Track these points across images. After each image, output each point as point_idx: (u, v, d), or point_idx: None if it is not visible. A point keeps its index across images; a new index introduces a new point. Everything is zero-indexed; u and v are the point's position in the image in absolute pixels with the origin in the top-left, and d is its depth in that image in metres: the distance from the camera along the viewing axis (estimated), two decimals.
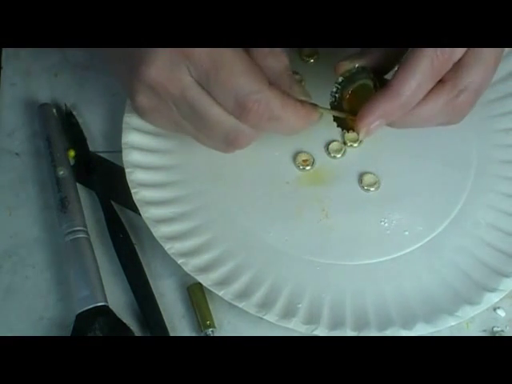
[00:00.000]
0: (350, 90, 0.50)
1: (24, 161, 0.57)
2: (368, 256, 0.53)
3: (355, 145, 0.57)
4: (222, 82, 0.46)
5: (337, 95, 0.50)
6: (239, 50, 0.47)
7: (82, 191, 0.55)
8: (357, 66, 0.49)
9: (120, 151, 0.54)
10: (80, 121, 0.59)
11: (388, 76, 0.49)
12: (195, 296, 0.51)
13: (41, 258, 0.53)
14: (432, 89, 0.47)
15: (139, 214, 0.52)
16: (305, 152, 0.57)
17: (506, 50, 0.59)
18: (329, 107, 0.50)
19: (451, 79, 0.47)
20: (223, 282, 0.50)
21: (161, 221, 0.52)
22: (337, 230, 0.54)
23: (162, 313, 0.50)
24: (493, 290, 0.51)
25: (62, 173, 0.55)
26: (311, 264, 0.52)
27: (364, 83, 0.49)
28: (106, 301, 0.50)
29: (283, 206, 0.54)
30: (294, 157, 0.56)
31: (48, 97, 0.60)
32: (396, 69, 0.48)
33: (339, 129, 0.51)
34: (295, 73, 0.60)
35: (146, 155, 0.55)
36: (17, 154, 0.58)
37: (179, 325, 0.51)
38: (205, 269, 0.50)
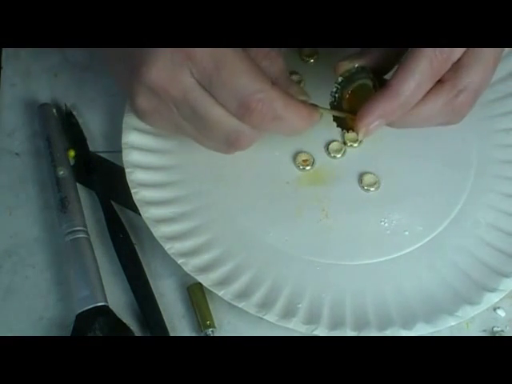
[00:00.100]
0: (349, 89, 0.50)
1: (24, 161, 0.57)
2: (368, 256, 0.53)
3: (355, 145, 0.57)
4: (225, 82, 0.46)
5: (336, 95, 0.50)
6: (240, 50, 0.46)
7: (81, 191, 0.55)
8: (356, 66, 0.49)
9: (120, 151, 0.54)
10: (80, 121, 0.59)
11: (388, 76, 0.49)
12: (195, 296, 0.51)
13: (41, 258, 0.53)
14: (431, 89, 0.47)
15: (139, 214, 0.52)
16: (305, 152, 0.56)
17: (506, 50, 0.59)
18: (328, 107, 0.50)
19: (450, 79, 0.47)
20: (223, 282, 0.50)
21: (161, 221, 0.52)
22: (337, 230, 0.54)
23: (162, 313, 0.50)
24: (493, 290, 0.51)
25: (61, 173, 0.55)
26: (311, 264, 0.52)
27: (363, 83, 0.49)
28: (106, 301, 0.50)
29: (283, 206, 0.54)
30: (294, 157, 0.56)
31: (48, 97, 0.60)
32: (395, 69, 0.48)
33: (339, 129, 0.51)
34: (295, 73, 0.60)
35: (146, 155, 0.55)
36: (17, 154, 0.58)
37: (179, 325, 0.51)
38: (205, 269, 0.50)
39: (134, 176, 0.53)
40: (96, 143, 0.58)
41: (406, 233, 0.54)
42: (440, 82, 0.47)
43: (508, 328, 0.51)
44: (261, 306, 0.49)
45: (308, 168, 0.56)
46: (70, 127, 0.58)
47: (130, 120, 0.55)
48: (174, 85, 0.47)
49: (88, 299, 0.50)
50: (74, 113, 0.59)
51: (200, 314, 0.50)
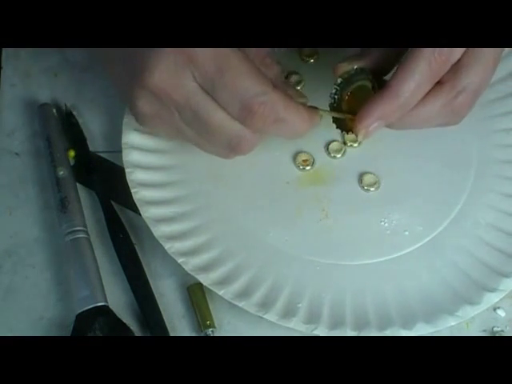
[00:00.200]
0: (348, 91, 0.50)
1: (24, 161, 0.57)
2: (368, 256, 0.53)
3: (355, 145, 0.57)
4: (227, 85, 0.46)
5: (336, 96, 0.50)
6: (242, 53, 0.47)
7: (82, 191, 0.55)
8: (355, 67, 0.49)
9: (120, 151, 0.54)
10: (80, 121, 0.59)
11: (387, 77, 0.49)
12: (195, 296, 0.51)
13: (41, 257, 0.53)
14: (430, 90, 0.47)
15: (139, 214, 0.52)
16: (305, 152, 0.57)
17: (506, 50, 0.59)
18: (328, 108, 0.50)
19: (450, 80, 0.47)
20: (223, 282, 0.50)
21: (161, 220, 0.52)
22: (337, 229, 0.54)
23: (162, 313, 0.50)
24: (493, 290, 0.51)
25: (61, 173, 0.55)
26: (311, 264, 0.52)
27: (363, 84, 0.49)
28: (106, 301, 0.50)
29: (283, 206, 0.54)
30: (294, 157, 0.56)
31: (48, 97, 0.60)
32: (395, 70, 0.48)
33: (339, 130, 0.51)
34: (295, 73, 0.60)
35: (146, 155, 0.55)
36: (17, 154, 0.58)
37: (179, 325, 0.51)
38: (205, 268, 0.50)
39: (133, 176, 0.53)
40: (96, 143, 0.58)
41: (406, 233, 0.54)
42: (439, 83, 0.47)
43: (508, 328, 0.51)
44: (261, 305, 0.49)
45: (308, 168, 0.56)
46: (70, 127, 0.58)
47: (129, 120, 0.55)
48: (176, 89, 0.47)
49: (88, 299, 0.50)
50: (74, 113, 0.59)
51: (200, 313, 0.51)
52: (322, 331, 0.48)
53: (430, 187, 0.56)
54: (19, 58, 0.62)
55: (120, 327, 0.49)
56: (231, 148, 0.49)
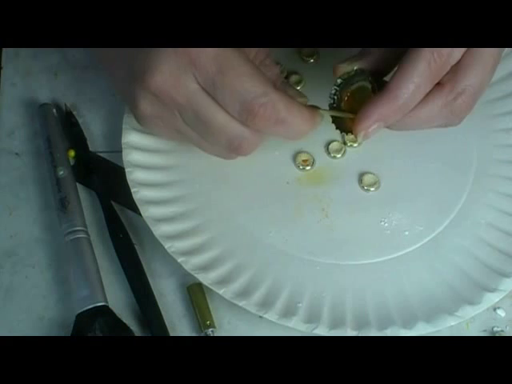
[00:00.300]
0: (348, 92, 0.50)
1: (24, 161, 0.57)
2: (368, 256, 0.53)
3: (355, 145, 0.57)
4: (228, 86, 0.46)
5: (335, 97, 0.50)
6: (243, 54, 0.47)
7: (82, 191, 0.55)
8: (355, 68, 0.49)
9: (120, 151, 0.54)
10: (80, 121, 0.59)
11: (387, 78, 0.49)
12: (195, 296, 0.51)
13: (41, 257, 0.53)
14: (430, 91, 0.47)
15: (139, 214, 0.52)
16: (305, 152, 0.57)
17: (506, 50, 0.59)
18: (328, 108, 0.50)
19: (449, 82, 0.47)
20: (223, 281, 0.50)
21: (161, 220, 0.52)
22: (337, 229, 0.54)
23: (162, 313, 0.50)
24: (493, 290, 0.51)
25: (61, 173, 0.55)
26: (311, 263, 0.52)
27: (362, 85, 0.49)
28: (106, 301, 0.50)
29: (283, 206, 0.54)
30: (294, 157, 0.56)
31: (48, 97, 0.60)
32: (394, 71, 0.48)
33: (338, 131, 0.51)
34: (295, 73, 0.60)
35: (145, 155, 0.55)
36: (17, 154, 0.58)
37: (179, 325, 0.51)
38: (205, 267, 0.50)
39: (133, 175, 0.53)
40: (96, 143, 0.58)
41: (406, 233, 0.54)
42: (439, 84, 0.47)
43: (508, 328, 0.51)
44: (261, 304, 0.49)
45: (308, 168, 0.56)
46: (70, 127, 0.58)
47: (129, 120, 0.55)
48: (178, 90, 0.47)
49: (88, 299, 0.50)
50: (74, 113, 0.59)
51: (200, 313, 0.51)
52: (322, 331, 0.48)
53: (430, 187, 0.56)
54: (19, 58, 0.62)
55: (120, 327, 0.49)
56: (233, 149, 0.49)
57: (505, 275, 0.51)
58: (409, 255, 0.53)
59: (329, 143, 0.57)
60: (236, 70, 0.46)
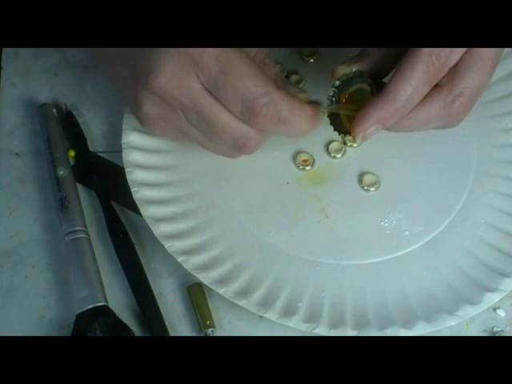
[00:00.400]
0: (346, 93, 0.50)
1: (24, 161, 0.57)
2: (368, 256, 0.53)
3: (355, 145, 0.57)
4: (230, 86, 0.46)
5: (333, 99, 0.50)
6: (245, 54, 0.47)
7: (82, 191, 0.55)
8: (354, 70, 0.49)
9: (120, 151, 0.54)
10: (80, 121, 0.59)
11: (386, 79, 0.49)
12: (195, 296, 0.51)
13: (41, 257, 0.53)
14: (428, 93, 0.47)
15: (139, 214, 0.52)
16: (305, 152, 0.57)
17: (506, 50, 0.59)
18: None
19: (447, 84, 0.47)
20: (223, 281, 0.50)
21: (161, 219, 0.52)
22: (337, 229, 0.54)
23: (162, 313, 0.50)
24: (493, 290, 0.51)
25: (61, 173, 0.55)
26: (311, 263, 0.52)
27: (360, 87, 0.49)
28: (106, 301, 0.50)
29: (283, 206, 0.54)
30: (294, 157, 0.56)
31: (48, 97, 0.60)
32: (392, 73, 0.48)
33: (336, 132, 0.51)
34: (295, 73, 0.60)
35: (145, 155, 0.55)
36: (17, 154, 0.58)
37: (179, 325, 0.51)
38: (205, 267, 0.50)
39: (133, 175, 0.53)
40: (96, 143, 0.58)
41: (406, 233, 0.54)
42: (437, 86, 0.47)
43: (508, 328, 0.51)
44: (261, 304, 0.49)
45: (308, 168, 0.56)
46: (70, 127, 0.58)
47: (129, 120, 0.55)
48: (181, 91, 0.47)
49: (88, 299, 0.50)
50: (74, 113, 0.59)
51: (200, 313, 0.51)
52: (322, 330, 0.48)
53: (430, 187, 0.56)
54: (19, 58, 0.62)
55: (120, 327, 0.49)
56: (237, 148, 0.49)
57: (505, 275, 0.51)
58: (409, 255, 0.53)
59: (329, 143, 0.57)
60: (238, 70, 0.46)
